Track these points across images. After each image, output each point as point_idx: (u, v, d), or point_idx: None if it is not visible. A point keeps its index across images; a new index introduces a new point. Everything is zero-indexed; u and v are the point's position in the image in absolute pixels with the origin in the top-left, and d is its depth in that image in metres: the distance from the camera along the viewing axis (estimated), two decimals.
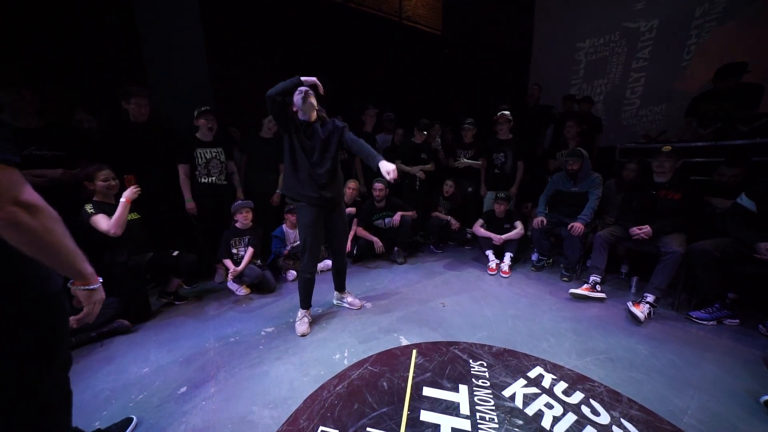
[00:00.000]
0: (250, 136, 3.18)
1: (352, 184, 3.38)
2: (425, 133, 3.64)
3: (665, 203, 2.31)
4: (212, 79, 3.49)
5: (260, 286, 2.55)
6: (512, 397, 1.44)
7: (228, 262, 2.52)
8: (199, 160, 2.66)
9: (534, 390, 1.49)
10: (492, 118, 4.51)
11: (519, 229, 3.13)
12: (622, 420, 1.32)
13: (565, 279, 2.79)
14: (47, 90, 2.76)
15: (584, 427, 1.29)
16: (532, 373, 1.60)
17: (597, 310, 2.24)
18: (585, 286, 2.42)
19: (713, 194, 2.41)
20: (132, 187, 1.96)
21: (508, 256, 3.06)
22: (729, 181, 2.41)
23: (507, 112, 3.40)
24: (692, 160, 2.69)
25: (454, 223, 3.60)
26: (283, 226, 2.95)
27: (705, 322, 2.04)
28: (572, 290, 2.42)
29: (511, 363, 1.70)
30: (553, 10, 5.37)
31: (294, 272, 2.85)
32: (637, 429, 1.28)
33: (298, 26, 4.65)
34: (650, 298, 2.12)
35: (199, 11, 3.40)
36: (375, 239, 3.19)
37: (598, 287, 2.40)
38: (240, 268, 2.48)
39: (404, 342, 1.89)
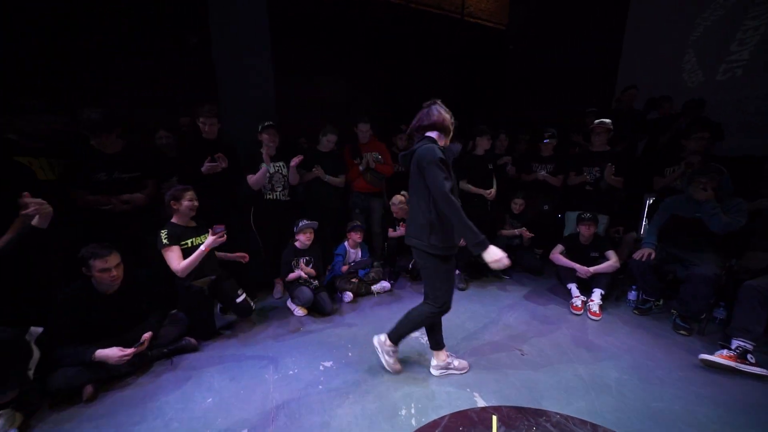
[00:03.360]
0: (308, 150, 3.13)
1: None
2: (489, 138, 3.21)
3: None
4: (278, 93, 3.56)
5: (316, 308, 2.46)
6: None
7: (293, 275, 2.47)
8: None
9: None
10: (570, 125, 3.93)
11: (613, 261, 2.59)
12: None
13: (683, 333, 2.20)
14: (137, 113, 3.06)
15: None
16: None
17: (757, 394, 1.65)
18: (725, 352, 1.83)
19: None
20: (214, 236, 2.00)
21: (598, 293, 2.54)
22: None
23: (607, 121, 2.84)
24: None
25: (527, 235, 3.15)
26: (345, 243, 2.84)
27: None
28: (705, 356, 1.83)
29: None
30: None
31: (350, 294, 2.71)
32: None
33: (359, 32, 4.59)
34: None
35: (269, 29, 3.49)
36: None
37: (750, 357, 1.79)
38: (294, 275, 2.42)
39: (480, 402, 1.60)
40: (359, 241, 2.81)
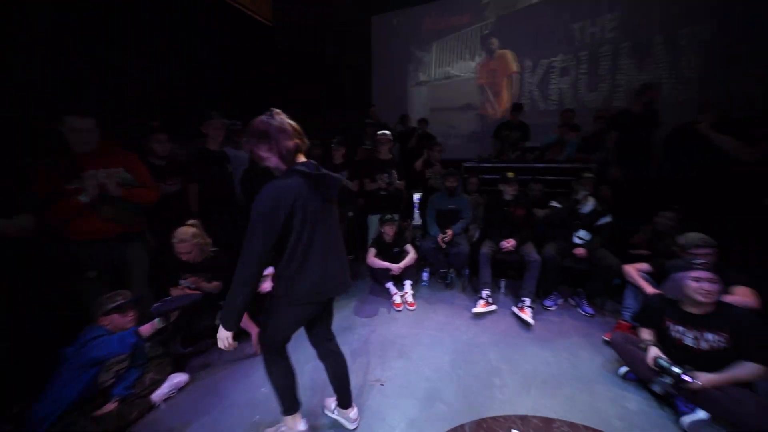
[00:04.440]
0: None
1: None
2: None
3: (515, 218, 2.87)
4: None
5: None
6: None
7: None
8: None
9: None
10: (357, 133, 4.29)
11: (412, 253, 3.05)
12: None
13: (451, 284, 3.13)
14: None
15: None
16: None
17: (499, 324, 2.48)
18: (481, 302, 2.63)
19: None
20: None
21: (408, 285, 2.92)
22: (536, 194, 3.35)
23: (387, 132, 3.24)
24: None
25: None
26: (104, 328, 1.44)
27: (553, 308, 2.71)
28: (475, 310, 2.57)
29: None
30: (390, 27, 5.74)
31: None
32: None
33: None
34: (528, 301, 2.56)
35: None
36: (252, 328, 2.08)
37: (490, 300, 2.67)
38: None
39: None
40: (130, 326, 1.51)
